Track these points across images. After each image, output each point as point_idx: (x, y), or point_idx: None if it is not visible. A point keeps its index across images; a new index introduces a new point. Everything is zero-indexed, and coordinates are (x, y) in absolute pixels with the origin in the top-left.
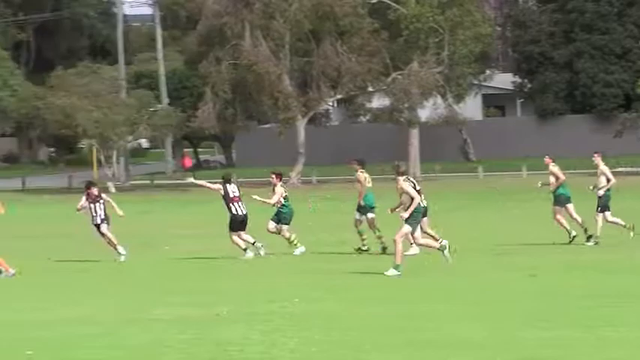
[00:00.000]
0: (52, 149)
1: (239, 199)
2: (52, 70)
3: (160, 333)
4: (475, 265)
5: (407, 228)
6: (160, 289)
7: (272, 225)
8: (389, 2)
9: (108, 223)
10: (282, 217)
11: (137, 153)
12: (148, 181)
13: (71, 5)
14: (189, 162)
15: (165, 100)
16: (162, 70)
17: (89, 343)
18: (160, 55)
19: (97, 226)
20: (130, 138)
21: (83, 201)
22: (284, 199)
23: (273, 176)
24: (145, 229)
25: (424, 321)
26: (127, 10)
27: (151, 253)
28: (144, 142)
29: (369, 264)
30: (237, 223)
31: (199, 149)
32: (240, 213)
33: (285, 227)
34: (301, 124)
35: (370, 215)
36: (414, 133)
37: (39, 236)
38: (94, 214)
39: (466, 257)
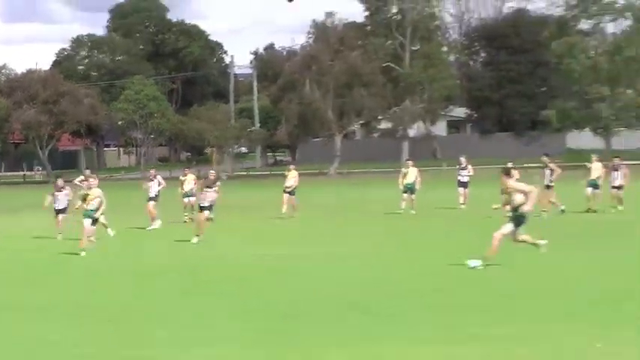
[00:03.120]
0: (189, 153)
1: None
2: (190, 106)
3: None
4: None
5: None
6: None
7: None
8: (393, 65)
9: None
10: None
11: (240, 155)
12: (245, 173)
13: (204, 67)
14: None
15: (257, 124)
16: (256, 107)
17: None
18: (255, 97)
19: None
20: (235, 146)
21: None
22: None
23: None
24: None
25: None
26: (236, 69)
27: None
28: (243, 149)
29: None
30: None
31: (277, 153)
32: None
33: None
34: (338, 138)
35: None
36: (405, 144)
37: None
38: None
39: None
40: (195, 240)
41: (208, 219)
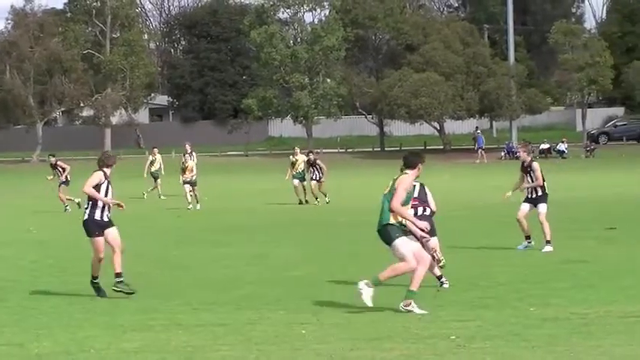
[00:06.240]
0: None
1: None
2: None
3: None
4: None
5: None
6: None
7: None
8: (94, 53)
9: None
10: None
11: None
12: None
13: None
14: None
15: None
16: None
17: None
18: None
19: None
20: None
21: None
22: None
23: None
24: None
25: None
26: None
27: None
28: None
29: None
30: None
31: None
32: None
33: None
34: (40, 126)
35: None
36: (108, 132)
37: None
38: None
39: None
40: None
41: None
